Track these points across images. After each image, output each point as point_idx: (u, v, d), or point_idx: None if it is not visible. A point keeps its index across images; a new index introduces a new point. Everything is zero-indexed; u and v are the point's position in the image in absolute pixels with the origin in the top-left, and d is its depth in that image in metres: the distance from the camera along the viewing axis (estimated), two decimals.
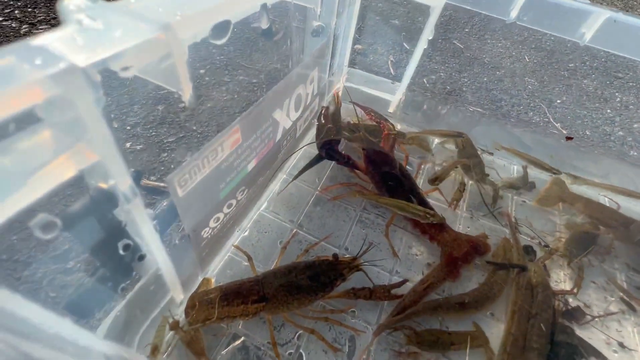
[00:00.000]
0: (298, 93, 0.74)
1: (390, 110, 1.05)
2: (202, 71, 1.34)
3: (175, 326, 0.50)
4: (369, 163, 0.81)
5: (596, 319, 0.66)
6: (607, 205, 0.85)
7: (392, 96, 1.03)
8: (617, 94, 1.70)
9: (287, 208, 0.80)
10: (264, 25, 0.51)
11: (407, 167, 0.91)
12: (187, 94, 0.37)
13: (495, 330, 0.64)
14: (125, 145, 0.96)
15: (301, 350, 0.60)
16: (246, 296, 0.57)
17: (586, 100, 1.61)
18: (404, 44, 1.74)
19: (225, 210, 0.61)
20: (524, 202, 0.88)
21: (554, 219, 0.85)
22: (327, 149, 0.82)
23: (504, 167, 0.97)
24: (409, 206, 0.72)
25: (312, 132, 0.92)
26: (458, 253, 0.69)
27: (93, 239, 0.36)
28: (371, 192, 0.81)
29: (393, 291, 0.65)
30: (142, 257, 0.41)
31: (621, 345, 0.64)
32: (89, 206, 0.35)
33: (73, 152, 0.29)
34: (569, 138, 0.92)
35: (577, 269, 0.72)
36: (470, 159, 0.86)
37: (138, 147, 0.97)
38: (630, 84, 1.80)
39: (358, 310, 0.65)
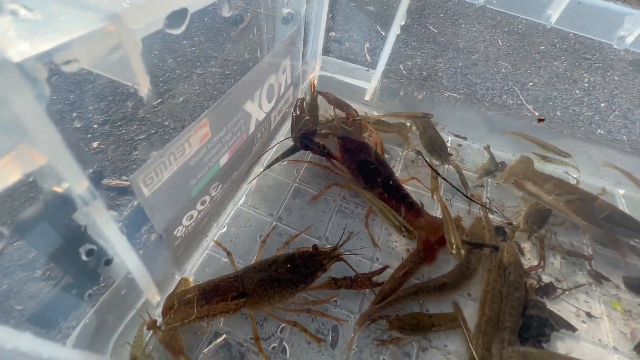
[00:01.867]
0: (270, 83, 0.72)
1: (367, 98, 1.04)
2: (171, 63, 1.29)
3: (152, 326, 0.49)
4: (344, 152, 0.81)
5: (566, 292, 0.70)
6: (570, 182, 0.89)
7: (368, 84, 1.02)
8: (585, 74, 1.76)
9: (265, 202, 0.79)
10: (226, 13, 0.49)
11: (385, 155, 0.91)
12: (144, 87, 0.35)
13: (473, 310, 0.66)
14: (92, 144, 0.91)
15: (284, 343, 0.60)
16: (225, 293, 0.56)
17: (556, 81, 1.66)
18: (379, 30, 1.73)
19: (199, 207, 0.59)
20: (498, 184, 0.90)
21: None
22: (303, 139, 0.81)
23: (478, 150, 0.99)
24: (390, 213, 0.71)
25: (288, 124, 0.91)
26: (434, 237, 0.70)
27: (51, 246, 0.34)
28: (348, 181, 0.81)
29: (374, 278, 0.66)
30: (109, 262, 0.40)
31: (589, 315, 0.67)
32: (43, 211, 0.32)
33: (16, 154, 0.27)
34: (540, 120, 0.94)
35: (538, 243, 0.75)
36: (434, 143, 0.87)
37: (107, 147, 0.93)
38: (597, 64, 1.86)
39: (340, 300, 0.66)
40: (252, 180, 0.79)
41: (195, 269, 0.66)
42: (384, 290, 0.64)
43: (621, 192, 0.93)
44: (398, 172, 0.90)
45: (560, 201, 0.78)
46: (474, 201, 0.83)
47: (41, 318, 0.40)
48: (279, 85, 0.77)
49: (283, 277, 0.59)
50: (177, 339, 0.52)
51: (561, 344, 0.63)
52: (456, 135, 1.01)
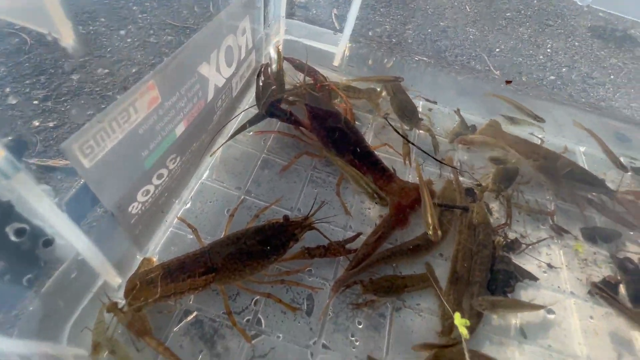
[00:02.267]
0: (228, 45, 0.66)
1: (335, 63, 1.00)
2: (122, 32, 1.17)
3: (112, 308, 0.46)
4: (313, 119, 0.78)
5: (530, 247, 0.73)
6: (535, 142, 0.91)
7: (336, 48, 0.97)
8: (548, 40, 1.79)
9: (232, 175, 0.75)
10: None
11: (356, 122, 0.89)
12: (66, 35, 0.30)
13: (445, 269, 0.68)
14: (32, 123, 0.82)
15: (259, 315, 0.58)
16: (192, 270, 0.53)
17: (522, 47, 1.68)
18: None
19: (156, 181, 0.55)
20: (469, 147, 0.91)
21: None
22: (269, 107, 0.77)
23: (449, 114, 0.99)
24: (362, 179, 0.70)
25: (252, 91, 0.85)
26: (406, 201, 0.70)
27: None
28: (319, 150, 0.78)
29: (348, 246, 0.65)
30: (48, 243, 0.35)
31: (549, 265, 0.71)
32: None
33: None
34: (508, 82, 0.95)
35: (505, 203, 0.77)
36: (405, 107, 0.86)
37: (50, 124, 0.84)
38: (559, 31, 1.90)
39: (315, 269, 0.65)
40: (216, 152, 0.75)
41: (159, 248, 0.62)
42: (358, 256, 0.64)
43: (582, 149, 0.97)
44: (370, 139, 0.88)
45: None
46: (444, 164, 0.83)
47: None
48: (238, 49, 0.71)
49: (253, 250, 0.57)
50: (143, 320, 0.49)
51: (524, 293, 0.66)
52: (427, 100, 1.00)
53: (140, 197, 0.52)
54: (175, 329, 0.54)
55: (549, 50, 1.73)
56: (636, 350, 0.63)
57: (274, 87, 0.81)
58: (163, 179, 0.56)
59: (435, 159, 0.82)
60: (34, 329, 0.38)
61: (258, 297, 0.59)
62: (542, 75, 1.54)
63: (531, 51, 1.69)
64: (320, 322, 0.59)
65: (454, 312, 0.57)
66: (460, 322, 0.54)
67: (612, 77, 1.60)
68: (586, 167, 0.90)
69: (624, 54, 1.77)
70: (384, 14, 1.63)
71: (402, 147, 0.82)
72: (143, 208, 0.53)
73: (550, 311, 0.65)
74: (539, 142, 0.92)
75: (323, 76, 0.89)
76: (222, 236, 0.62)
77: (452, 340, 0.57)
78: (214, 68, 0.62)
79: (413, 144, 0.81)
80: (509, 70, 1.49)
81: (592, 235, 0.76)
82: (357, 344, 0.58)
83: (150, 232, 0.60)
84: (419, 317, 0.62)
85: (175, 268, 0.52)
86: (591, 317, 0.66)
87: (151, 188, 0.54)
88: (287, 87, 0.87)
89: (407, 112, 0.84)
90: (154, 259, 0.59)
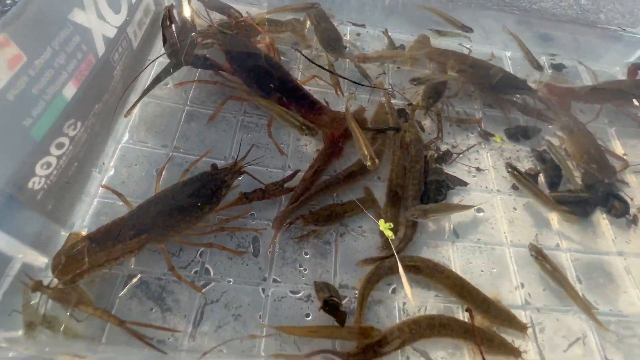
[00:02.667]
0: None
1: None
2: None
3: (37, 287, 0.45)
4: (231, 61, 0.72)
5: (460, 155, 0.77)
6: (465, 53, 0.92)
7: None
8: None
9: (155, 133, 0.70)
10: None
11: (282, 58, 0.84)
12: None
13: (384, 190, 0.70)
14: None
15: (207, 266, 0.59)
16: (121, 234, 0.51)
17: None
18: None
19: (56, 152, 0.50)
20: (399, 67, 0.90)
21: None
22: (181, 54, 0.70)
23: (378, 37, 0.95)
24: (287, 114, 0.67)
25: (158, 41, 0.77)
26: (338, 132, 0.70)
27: None
28: (243, 93, 0.74)
29: (287, 184, 0.66)
30: None
31: (478, 169, 0.76)
32: None
33: None
34: None
35: (435, 117, 0.79)
36: (328, 37, 0.81)
37: None
38: None
39: (257, 212, 0.65)
40: (131, 111, 0.68)
41: (87, 221, 0.59)
42: (297, 192, 0.65)
43: (508, 54, 0.99)
44: (299, 74, 0.84)
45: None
46: (377, 88, 0.82)
47: None
48: None
49: (184, 204, 0.55)
50: (78, 292, 0.48)
51: (456, 197, 0.72)
52: (354, 24, 0.95)
53: (40, 171, 0.47)
54: (120, 294, 0.54)
55: None
56: (552, 229, 0.71)
57: (193, 33, 0.74)
58: (65, 148, 0.52)
59: (366, 85, 0.81)
60: None
61: (202, 248, 0.60)
62: None
63: None
64: (268, 260, 0.61)
65: (390, 227, 0.61)
66: (384, 226, 0.58)
67: None
68: (511, 71, 0.92)
69: None
70: None
71: (330, 78, 0.79)
72: (49, 182, 0.49)
73: (479, 210, 0.71)
74: (467, 52, 0.92)
75: (238, 12, 0.81)
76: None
77: (390, 251, 0.61)
78: (94, 15, 0.54)
79: (334, 72, 0.78)
80: None
81: (515, 134, 0.81)
82: (306, 272, 0.61)
83: (69, 206, 0.56)
84: (362, 238, 0.66)
85: (101, 236, 0.51)
86: (514, 209, 0.73)
87: (52, 160, 0.49)
88: (199, 29, 0.79)
89: (331, 42, 0.80)
90: (82, 232, 0.56)
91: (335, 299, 0.54)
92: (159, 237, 0.54)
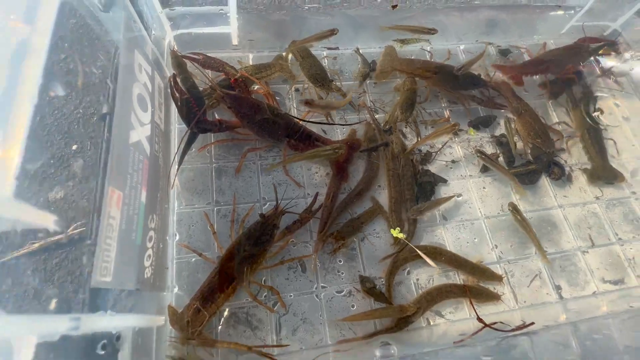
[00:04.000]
0: (137, 93, 0.68)
1: (235, 42, 1.00)
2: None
3: (185, 339, 0.63)
4: (240, 118, 0.85)
5: (437, 152, 0.96)
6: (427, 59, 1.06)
7: (229, 27, 0.96)
8: None
9: (197, 195, 0.85)
10: None
11: (277, 98, 0.97)
12: None
13: (386, 196, 0.90)
14: None
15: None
16: (220, 287, 0.69)
17: None
18: None
19: (149, 244, 0.66)
20: (376, 83, 1.05)
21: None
22: (197, 126, 0.81)
23: (351, 56, 1.08)
24: (319, 152, 0.83)
25: (174, 112, 0.88)
26: (341, 159, 0.87)
27: None
28: (256, 142, 0.88)
29: (314, 208, 0.83)
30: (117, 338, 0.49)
31: (453, 161, 0.96)
32: None
33: None
34: (394, 6, 1.02)
35: (413, 125, 0.97)
36: (315, 74, 0.93)
37: None
38: None
39: (294, 238, 0.84)
40: (174, 183, 0.82)
41: (174, 280, 0.76)
42: (322, 219, 0.83)
43: (462, 47, 1.15)
44: (293, 110, 0.98)
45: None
46: (364, 107, 0.98)
47: None
48: (145, 87, 0.72)
49: (253, 252, 0.73)
50: (206, 336, 0.67)
51: (441, 190, 0.93)
52: (329, 48, 1.06)
53: (146, 263, 0.64)
54: (219, 328, 0.74)
55: None
56: (513, 198, 0.94)
57: (186, 97, 0.83)
58: (153, 239, 0.67)
59: (353, 106, 0.96)
60: None
61: (263, 277, 0.79)
62: None
63: None
64: (314, 273, 0.81)
65: (397, 227, 0.82)
66: (395, 233, 0.81)
67: None
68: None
69: None
70: None
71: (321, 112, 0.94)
72: (152, 267, 0.66)
73: (459, 195, 0.93)
74: (429, 56, 1.07)
75: (232, 67, 0.91)
76: (216, 248, 0.77)
77: (402, 245, 0.83)
78: (138, 126, 0.66)
79: (328, 122, 0.93)
80: None
81: (476, 125, 1.01)
82: (343, 275, 0.82)
83: (163, 278, 0.73)
84: (378, 239, 0.86)
85: (207, 294, 0.69)
86: (484, 188, 0.95)
87: (150, 252, 0.65)
88: (200, 88, 0.89)
89: (318, 79, 0.93)
90: (172, 303, 0.73)
91: (376, 288, 0.77)
92: (241, 281, 0.73)
